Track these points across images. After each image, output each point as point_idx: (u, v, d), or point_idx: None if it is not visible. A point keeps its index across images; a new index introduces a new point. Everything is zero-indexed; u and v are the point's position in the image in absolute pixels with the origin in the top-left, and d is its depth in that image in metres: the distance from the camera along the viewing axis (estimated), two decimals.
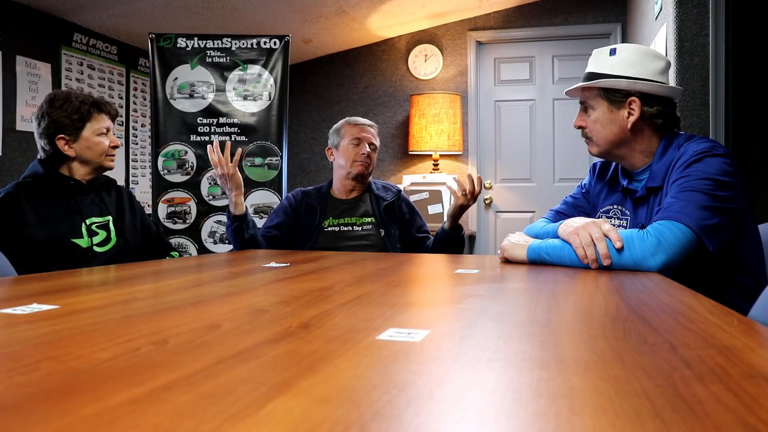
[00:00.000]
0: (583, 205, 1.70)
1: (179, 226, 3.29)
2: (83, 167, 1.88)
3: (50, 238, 1.75)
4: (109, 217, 1.92)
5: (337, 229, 2.25)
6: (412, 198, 3.68)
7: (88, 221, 1.85)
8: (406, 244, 2.31)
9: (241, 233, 2.12)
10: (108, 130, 1.91)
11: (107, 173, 1.99)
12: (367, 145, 2.30)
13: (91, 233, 1.84)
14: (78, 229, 1.82)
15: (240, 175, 2.12)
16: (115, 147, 1.93)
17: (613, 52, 1.52)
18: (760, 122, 4.17)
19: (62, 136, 1.83)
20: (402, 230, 2.31)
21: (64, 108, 1.82)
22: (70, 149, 1.84)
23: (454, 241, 2.19)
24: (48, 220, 1.77)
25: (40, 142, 1.86)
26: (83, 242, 1.82)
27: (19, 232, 1.72)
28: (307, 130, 4.72)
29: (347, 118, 2.41)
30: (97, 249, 1.84)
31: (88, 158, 1.87)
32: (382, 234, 2.24)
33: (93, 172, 1.90)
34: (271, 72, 3.36)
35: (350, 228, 2.25)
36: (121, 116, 3.92)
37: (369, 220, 2.27)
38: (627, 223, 1.55)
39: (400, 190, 2.38)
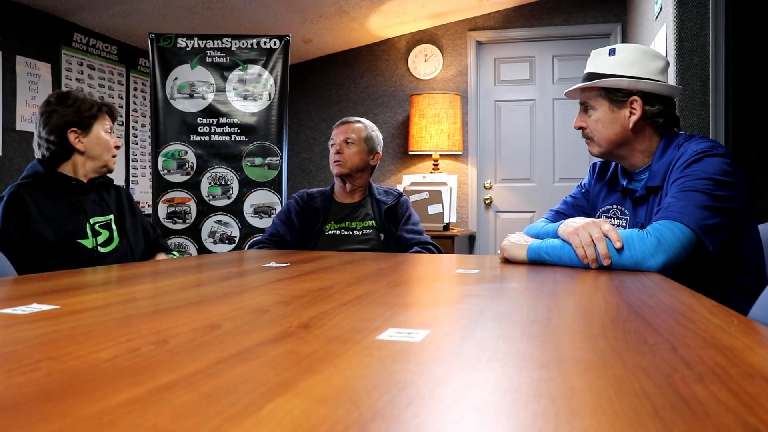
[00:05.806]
0: (582, 204, 1.70)
1: (179, 226, 3.29)
2: (89, 162, 1.89)
3: (58, 239, 1.74)
4: (111, 216, 1.92)
5: (337, 233, 2.23)
6: (412, 198, 3.68)
7: (92, 221, 1.85)
8: (396, 243, 2.26)
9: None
10: (111, 129, 1.98)
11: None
12: (338, 144, 2.27)
13: (95, 233, 1.84)
14: (83, 230, 1.81)
15: None
16: (117, 147, 1.98)
17: (612, 52, 1.52)
18: (760, 122, 4.17)
19: (74, 129, 1.86)
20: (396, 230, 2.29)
21: (76, 105, 1.87)
22: (80, 143, 1.87)
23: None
24: (53, 219, 1.76)
25: (44, 138, 1.84)
26: (88, 243, 1.81)
27: (27, 231, 1.71)
28: (307, 130, 4.72)
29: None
30: (101, 249, 1.84)
31: (96, 154, 1.90)
32: (382, 238, 2.22)
33: (97, 170, 1.91)
34: (271, 72, 3.36)
35: (351, 232, 2.24)
36: (121, 116, 3.92)
37: (370, 223, 2.25)
38: (627, 223, 1.55)
39: (401, 193, 2.35)
